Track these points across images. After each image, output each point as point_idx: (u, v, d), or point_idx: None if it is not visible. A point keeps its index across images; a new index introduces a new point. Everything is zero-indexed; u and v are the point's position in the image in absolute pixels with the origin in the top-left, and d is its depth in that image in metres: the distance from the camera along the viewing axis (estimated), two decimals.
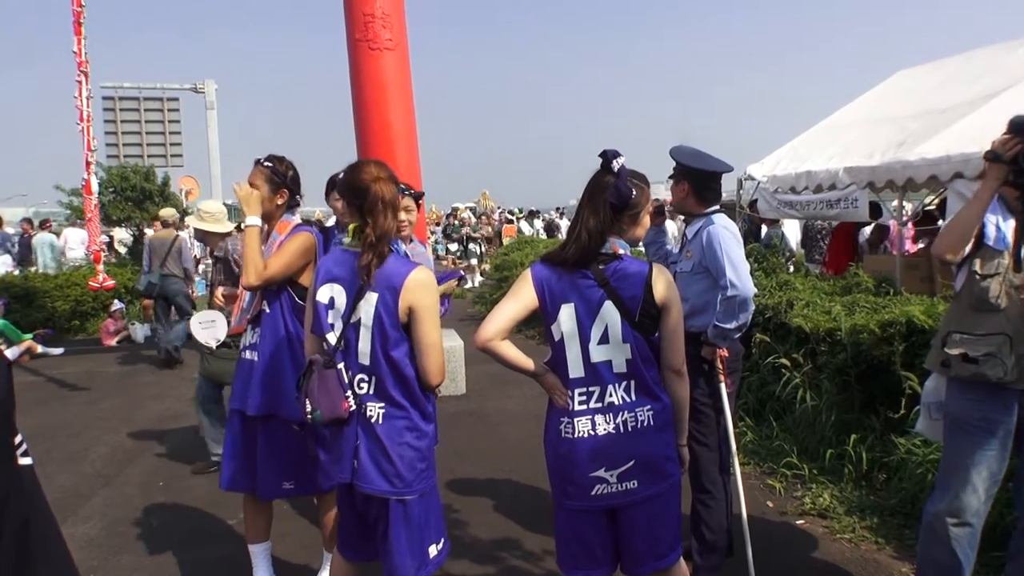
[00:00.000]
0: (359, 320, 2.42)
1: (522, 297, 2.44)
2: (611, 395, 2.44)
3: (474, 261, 17.90)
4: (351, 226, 2.55)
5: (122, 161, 19.82)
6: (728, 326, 3.25)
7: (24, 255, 16.60)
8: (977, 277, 2.76)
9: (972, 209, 2.71)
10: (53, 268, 14.31)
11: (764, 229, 11.48)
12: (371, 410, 2.43)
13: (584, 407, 2.43)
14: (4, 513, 0.56)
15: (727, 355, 3.42)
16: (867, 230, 9.47)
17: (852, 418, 4.68)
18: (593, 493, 2.41)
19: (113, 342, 11.02)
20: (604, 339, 2.41)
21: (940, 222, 7.90)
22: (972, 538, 2.84)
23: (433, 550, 2.56)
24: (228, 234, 5.05)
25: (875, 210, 8.69)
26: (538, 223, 24.48)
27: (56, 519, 0.72)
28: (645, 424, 2.44)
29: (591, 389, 2.43)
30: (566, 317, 2.41)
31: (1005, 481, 2.94)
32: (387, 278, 2.40)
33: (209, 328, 4.90)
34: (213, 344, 4.88)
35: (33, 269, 14.20)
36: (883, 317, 4.61)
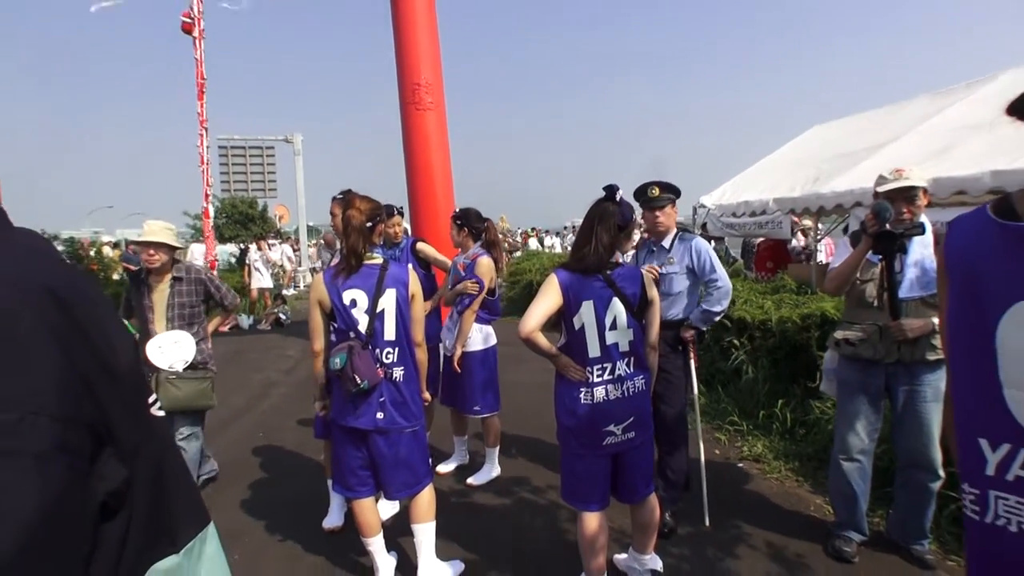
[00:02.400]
0: (383, 310, 2.62)
1: (551, 297, 2.47)
2: (619, 369, 2.53)
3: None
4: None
5: (232, 194, 19.90)
6: (715, 310, 3.32)
7: None
8: (858, 282, 2.94)
9: (849, 263, 2.88)
10: None
11: (712, 244, 11.45)
12: (395, 373, 2.66)
13: (600, 379, 2.51)
14: (138, 456, 0.57)
15: (695, 338, 3.44)
16: (799, 243, 9.46)
17: (780, 387, 4.65)
18: (604, 443, 2.51)
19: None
20: (614, 326, 2.51)
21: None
22: (862, 472, 3.01)
23: (430, 462, 2.95)
24: (176, 249, 3.76)
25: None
26: (548, 240, 24.41)
27: (183, 456, 0.73)
28: (639, 389, 2.59)
29: (605, 365, 2.51)
30: (587, 311, 2.47)
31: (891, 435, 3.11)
32: (397, 277, 2.67)
33: (172, 349, 3.57)
34: (180, 367, 3.57)
35: None
36: (803, 311, 4.64)
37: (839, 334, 3.01)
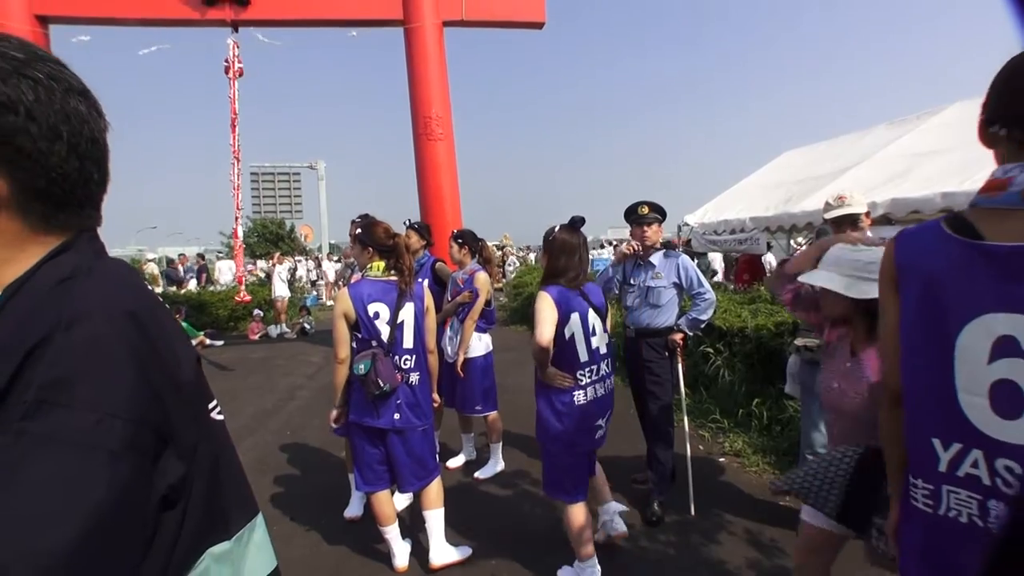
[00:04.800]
0: (403, 321, 2.69)
1: (551, 311, 2.50)
2: (601, 370, 2.63)
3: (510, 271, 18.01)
4: (377, 263, 2.74)
5: (262, 215, 20.06)
6: (702, 318, 3.39)
7: (197, 277, 16.75)
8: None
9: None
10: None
11: (695, 260, 11.51)
12: (412, 378, 2.71)
13: (589, 380, 2.58)
14: (195, 454, 0.60)
15: (683, 343, 3.48)
16: (772, 259, 9.47)
17: (757, 388, 4.64)
18: (595, 437, 2.63)
19: (256, 337, 11.10)
20: (594, 332, 2.61)
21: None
22: None
23: (437, 459, 2.94)
24: None
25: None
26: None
27: (237, 454, 0.77)
28: (612, 387, 2.72)
29: (592, 367, 2.58)
30: (575, 321, 2.55)
31: None
32: (415, 292, 2.77)
33: None
34: None
35: (211, 288, 14.28)
36: (776, 319, 4.65)
37: (799, 341, 3.06)
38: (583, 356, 2.54)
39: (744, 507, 3.39)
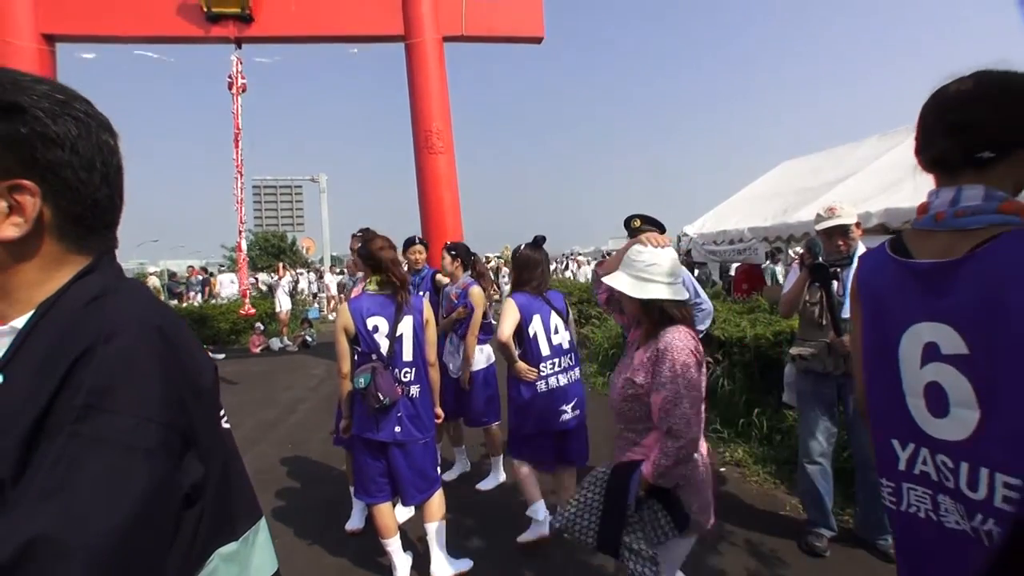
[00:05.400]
0: (402, 334, 2.69)
1: (513, 314, 3.01)
2: (564, 363, 3.09)
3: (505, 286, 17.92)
4: (375, 278, 2.74)
5: (264, 228, 20.09)
6: (700, 328, 3.37)
7: (201, 290, 16.78)
8: (808, 304, 3.03)
9: (793, 291, 3.04)
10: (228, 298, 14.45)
11: (696, 272, 11.53)
12: (412, 390, 2.71)
13: (551, 371, 3.04)
14: (211, 458, 0.68)
15: None
16: (779, 269, 9.47)
17: (757, 397, 4.63)
18: (560, 420, 3.02)
19: (257, 351, 11.09)
20: (556, 331, 3.10)
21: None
22: (824, 473, 3.03)
23: (439, 470, 2.93)
24: None
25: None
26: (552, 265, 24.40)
27: (242, 460, 0.83)
28: (577, 377, 3.15)
29: (554, 360, 3.06)
30: (536, 322, 3.05)
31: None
32: (413, 305, 2.75)
33: None
34: None
35: (212, 300, 14.29)
36: (775, 328, 4.64)
37: (794, 350, 3.08)
38: (545, 351, 3.04)
39: (745, 517, 3.37)
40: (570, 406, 3.05)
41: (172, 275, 18.05)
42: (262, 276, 19.84)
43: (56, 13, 8.19)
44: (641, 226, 3.49)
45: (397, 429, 2.64)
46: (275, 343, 11.32)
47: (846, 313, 2.77)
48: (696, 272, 11.51)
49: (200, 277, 16.96)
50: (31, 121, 0.65)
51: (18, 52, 7.95)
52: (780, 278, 11.60)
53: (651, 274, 1.79)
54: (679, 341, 1.73)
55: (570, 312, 3.28)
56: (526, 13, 9.11)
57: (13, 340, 0.64)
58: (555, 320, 3.11)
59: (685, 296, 1.83)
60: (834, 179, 6.98)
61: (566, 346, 3.12)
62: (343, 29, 8.76)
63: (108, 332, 0.63)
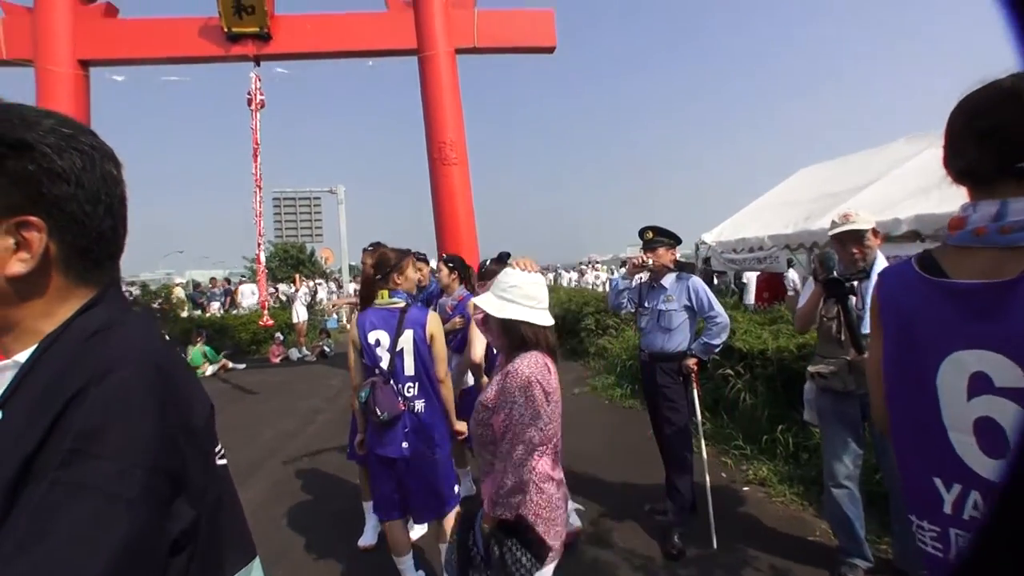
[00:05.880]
0: (402, 348, 2.60)
1: (482, 336, 2.94)
2: None
3: None
4: (382, 292, 2.69)
5: (284, 239, 20.32)
6: (714, 342, 3.28)
7: (223, 301, 16.95)
8: (824, 319, 2.85)
9: (809, 306, 2.86)
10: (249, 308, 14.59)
11: (715, 280, 11.35)
12: (417, 405, 2.62)
13: None
14: (204, 498, 0.65)
15: (697, 368, 3.36)
16: (796, 277, 9.28)
17: (781, 413, 4.44)
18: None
19: (276, 360, 11.15)
20: None
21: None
22: (852, 497, 2.81)
23: (457, 488, 2.77)
24: None
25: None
26: (565, 275, 24.32)
27: (238, 496, 0.80)
28: None
29: None
30: None
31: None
32: (414, 319, 2.62)
33: None
34: None
35: (234, 312, 14.45)
36: (799, 341, 4.46)
37: (812, 368, 2.91)
38: None
39: (770, 541, 3.21)
40: None
41: (196, 285, 18.30)
42: (282, 287, 20.04)
43: (91, 40, 8.47)
44: (653, 238, 3.44)
45: (404, 444, 2.58)
46: (293, 353, 11.39)
47: (867, 328, 2.60)
48: (716, 281, 11.33)
49: (222, 288, 17.17)
50: (38, 158, 0.66)
51: (58, 78, 8.25)
52: (798, 285, 11.38)
53: (512, 295, 1.81)
54: (526, 366, 1.72)
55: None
56: (538, 24, 9.08)
57: (15, 375, 0.64)
58: None
59: (546, 322, 1.83)
60: (858, 184, 6.81)
61: None
62: (358, 44, 8.82)
63: (103, 370, 0.63)
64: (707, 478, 3.34)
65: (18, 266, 0.66)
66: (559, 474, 1.84)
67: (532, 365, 1.73)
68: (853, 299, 2.65)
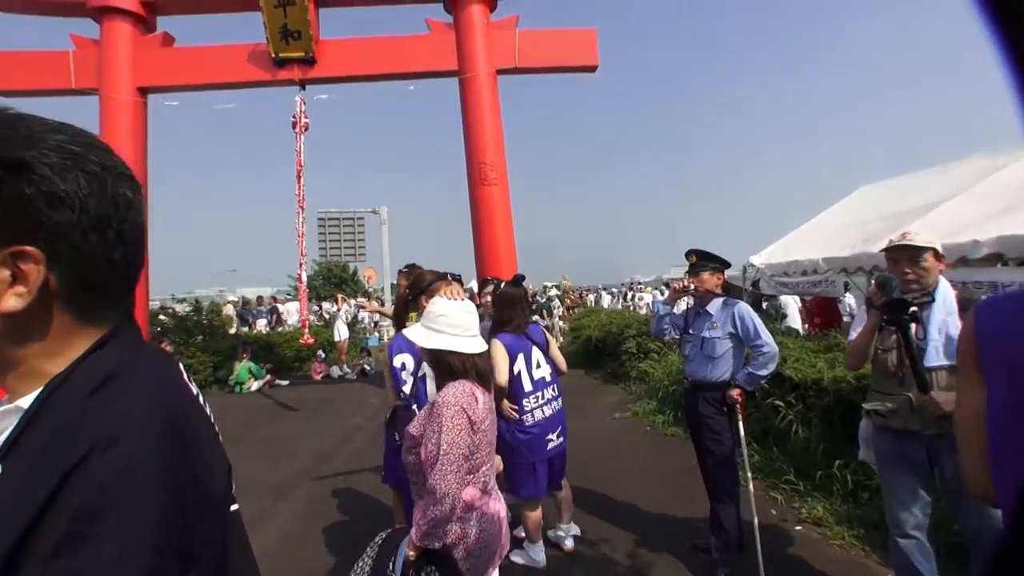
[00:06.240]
0: (424, 374, 2.55)
1: (505, 357, 3.10)
2: (547, 395, 3.23)
3: (558, 323, 17.47)
4: (412, 315, 2.68)
5: (328, 258, 20.82)
6: (761, 373, 3.08)
7: (270, 319, 17.40)
8: (879, 351, 2.52)
9: (863, 337, 2.54)
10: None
11: (764, 303, 10.93)
12: None
13: (536, 404, 3.18)
14: (223, 568, 0.59)
15: (742, 398, 3.16)
16: (853, 301, 8.84)
17: (838, 447, 4.12)
18: (548, 448, 3.20)
19: (319, 377, 11.31)
20: (538, 365, 3.24)
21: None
22: (921, 548, 2.45)
23: None
24: None
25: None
26: (606, 298, 24.00)
27: (247, 537, 0.73)
28: (560, 406, 3.32)
29: (537, 394, 3.20)
30: (520, 360, 3.18)
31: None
32: None
33: None
34: None
35: (279, 329, 14.82)
36: (858, 371, 4.15)
37: (867, 405, 2.59)
38: (527, 387, 3.18)
39: None
40: (555, 434, 3.24)
41: (246, 303, 18.90)
42: (326, 305, 20.46)
43: (149, 68, 8.99)
44: (697, 262, 3.31)
45: None
46: (335, 371, 11.56)
47: (931, 361, 2.32)
48: (764, 304, 10.91)
49: (268, 306, 17.65)
50: (37, 180, 0.59)
51: (119, 105, 8.79)
52: (855, 311, 10.82)
53: (439, 325, 1.85)
54: (451, 396, 1.75)
55: (550, 340, 3.45)
56: (580, 43, 9.10)
57: (16, 424, 0.59)
58: (536, 355, 3.24)
59: (474, 349, 1.85)
60: (926, 203, 6.38)
61: (548, 378, 3.27)
62: (400, 67, 9.03)
63: (108, 437, 0.57)
64: (755, 515, 3.10)
65: (13, 301, 0.59)
66: (493, 504, 1.87)
67: (459, 394, 1.76)
68: (914, 327, 2.35)
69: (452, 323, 1.84)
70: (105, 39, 8.80)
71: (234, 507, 0.74)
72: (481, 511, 1.81)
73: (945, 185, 6.65)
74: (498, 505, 1.88)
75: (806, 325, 9.56)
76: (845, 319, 9.06)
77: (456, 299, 1.92)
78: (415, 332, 1.89)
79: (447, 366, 1.83)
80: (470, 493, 1.78)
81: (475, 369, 1.85)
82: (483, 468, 1.82)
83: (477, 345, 1.87)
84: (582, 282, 31.06)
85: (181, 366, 0.77)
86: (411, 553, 1.72)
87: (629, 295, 22.59)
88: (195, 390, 0.76)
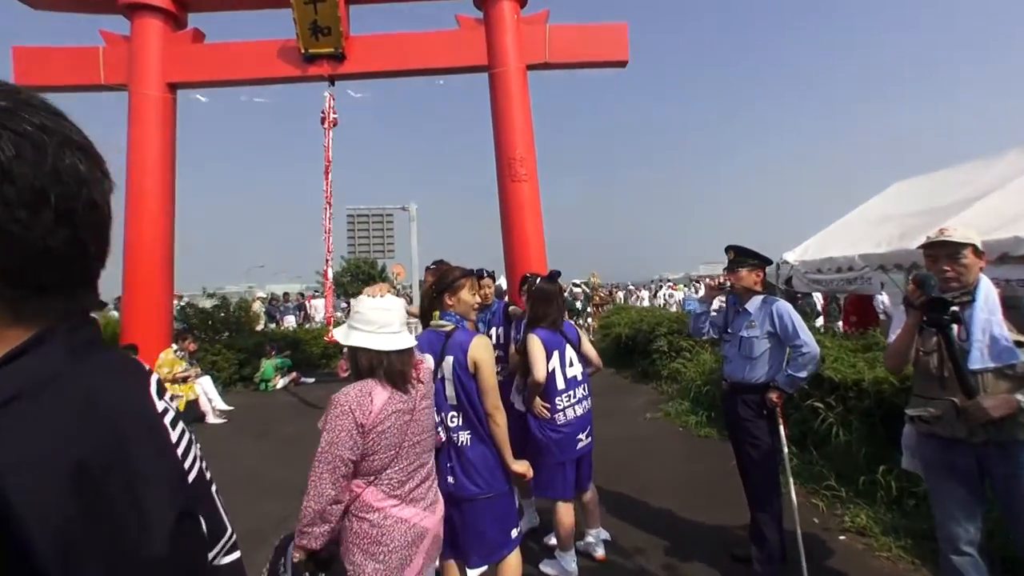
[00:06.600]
0: (443, 375, 2.39)
1: (542, 352, 3.07)
2: (578, 394, 3.21)
3: (589, 320, 17.26)
4: (436, 313, 2.53)
5: (357, 255, 20.98)
6: (800, 375, 2.96)
7: (298, 315, 17.62)
8: (921, 353, 2.39)
9: (902, 339, 2.41)
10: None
11: (799, 300, 10.71)
12: (461, 437, 2.39)
13: (568, 403, 3.15)
14: None
15: (781, 401, 3.05)
16: (886, 299, 8.57)
17: (881, 451, 3.97)
18: (578, 448, 3.17)
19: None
20: (571, 364, 3.20)
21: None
22: (976, 566, 2.30)
23: (514, 532, 2.51)
24: None
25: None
26: (641, 293, 23.76)
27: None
28: (590, 406, 3.28)
29: (569, 392, 3.16)
30: (555, 357, 3.13)
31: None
32: (459, 344, 2.38)
33: None
34: None
35: (307, 325, 14.93)
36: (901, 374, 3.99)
37: (910, 411, 2.44)
38: (560, 385, 3.14)
39: None
40: (584, 434, 3.22)
41: (274, 298, 19.19)
42: (353, 302, 20.70)
43: (179, 64, 9.09)
44: (735, 258, 3.22)
45: (450, 480, 2.37)
46: None
47: (975, 364, 2.18)
48: (799, 301, 10.67)
49: (296, 303, 17.89)
50: None
51: (148, 100, 8.88)
52: (888, 308, 10.51)
53: (356, 322, 1.89)
54: (342, 396, 1.77)
55: (582, 337, 3.41)
56: (610, 38, 8.99)
57: None
58: (570, 353, 3.21)
59: (389, 346, 1.85)
60: (964, 198, 6.15)
61: (580, 377, 3.25)
62: (430, 62, 9.00)
63: None
64: (797, 524, 3.00)
65: None
66: (406, 510, 1.85)
67: (350, 396, 1.77)
68: (955, 328, 2.22)
69: (367, 320, 1.87)
70: (136, 35, 8.90)
71: (229, 558, 0.63)
72: (384, 514, 1.80)
73: (982, 180, 6.41)
74: (414, 512, 1.86)
75: (840, 323, 9.32)
76: (881, 318, 8.80)
77: (378, 296, 1.94)
78: (338, 331, 1.95)
79: (355, 364, 1.86)
80: (369, 493, 1.79)
81: (385, 368, 1.84)
82: (388, 471, 1.81)
83: (394, 343, 1.86)
84: (611, 279, 30.78)
85: (152, 381, 0.63)
86: (295, 554, 1.72)
87: (659, 293, 22.32)
88: (168, 414, 0.61)
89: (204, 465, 0.65)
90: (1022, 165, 6.13)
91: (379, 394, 1.80)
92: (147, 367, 0.65)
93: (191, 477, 0.60)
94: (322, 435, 1.75)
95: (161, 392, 0.63)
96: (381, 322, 1.87)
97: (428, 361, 2.34)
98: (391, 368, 1.85)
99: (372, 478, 1.80)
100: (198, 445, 0.65)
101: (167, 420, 0.60)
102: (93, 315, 0.61)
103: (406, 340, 1.91)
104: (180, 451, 0.60)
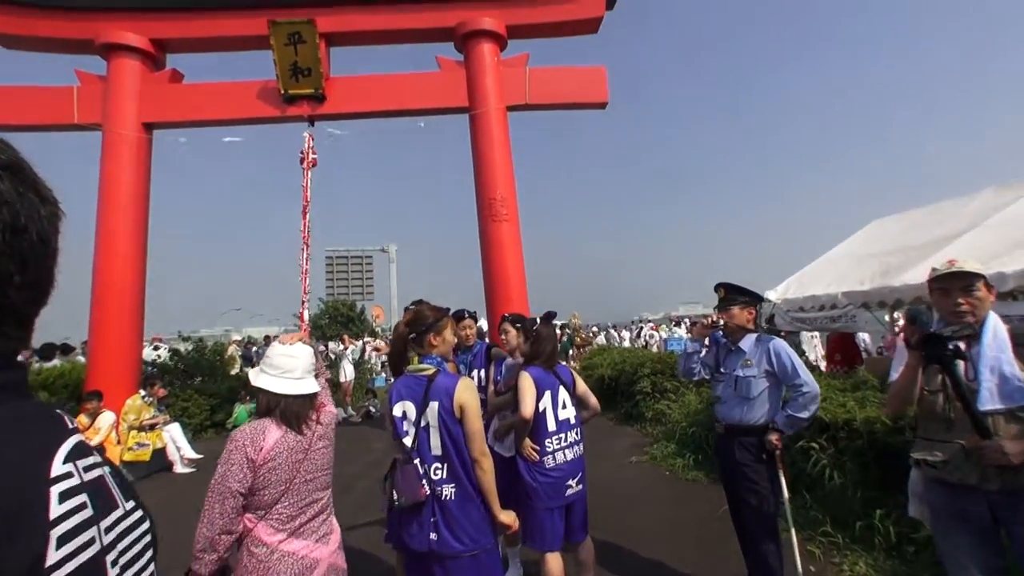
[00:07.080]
0: (427, 423, 2.25)
1: (532, 389, 2.96)
2: (570, 438, 3.06)
3: (571, 363, 17.06)
4: (413, 357, 2.40)
5: (335, 297, 20.74)
6: (801, 416, 2.87)
7: None
8: (925, 392, 2.26)
9: (904, 378, 2.28)
10: None
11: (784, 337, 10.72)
12: (445, 491, 2.23)
13: (558, 447, 3.00)
14: None
15: (780, 445, 2.93)
16: (867, 338, 8.59)
17: (877, 495, 3.86)
18: (567, 494, 2.98)
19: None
20: (564, 406, 3.08)
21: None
22: None
23: None
24: None
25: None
26: (625, 333, 23.75)
27: None
28: (581, 452, 3.12)
29: (560, 435, 3.02)
30: (546, 397, 3.02)
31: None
32: (443, 389, 2.27)
33: None
34: None
35: None
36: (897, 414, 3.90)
37: (916, 454, 2.28)
38: (551, 426, 3.00)
39: None
40: (575, 480, 3.06)
41: (250, 342, 18.74)
42: (332, 345, 20.28)
43: (156, 104, 9.04)
44: (726, 296, 3.16)
45: (432, 536, 2.20)
46: (339, 413, 11.24)
47: (984, 405, 2.06)
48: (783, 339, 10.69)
49: (257, 348, 17.49)
50: None
51: (123, 140, 8.77)
52: (869, 347, 10.55)
53: (264, 366, 2.05)
54: (239, 433, 1.90)
55: (577, 380, 3.27)
56: (589, 80, 9.18)
57: None
58: (563, 395, 3.10)
59: (284, 391, 1.98)
60: (943, 236, 6.25)
61: (572, 421, 3.11)
62: (410, 103, 9.09)
63: None
64: (799, 572, 2.83)
65: None
66: (297, 544, 1.91)
67: (245, 433, 1.89)
68: (961, 365, 2.11)
69: (272, 364, 2.03)
70: (112, 75, 8.86)
71: None
72: (271, 549, 1.87)
73: (960, 218, 6.55)
74: (303, 544, 1.94)
75: (823, 362, 9.30)
76: (864, 356, 8.79)
77: (288, 344, 2.09)
78: (252, 372, 2.09)
79: (258, 403, 2.02)
80: (261, 528, 1.88)
81: (281, 409, 1.97)
82: (278, 506, 1.89)
83: (293, 387, 2.00)
84: (591, 320, 30.76)
85: (68, 442, 0.53)
86: None
87: (641, 333, 22.28)
88: (66, 481, 0.51)
89: (119, 545, 0.54)
90: (995, 204, 6.27)
91: (272, 432, 1.92)
92: (71, 425, 0.56)
93: (69, 566, 0.47)
94: (217, 467, 1.86)
95: (80, 454, 0.53)
96: (285, 367, 2.03)
97: (331, 407, 2.26)
98: (287, 410, 1.97)
99: (263, 512, 1.89)
100: (124, 524, 0.55)
101: (59, 489, 0.49)
102: (22, 359, 0.52)
103: (307, 386, 2.04)
104: (61, 531, 0.47)
